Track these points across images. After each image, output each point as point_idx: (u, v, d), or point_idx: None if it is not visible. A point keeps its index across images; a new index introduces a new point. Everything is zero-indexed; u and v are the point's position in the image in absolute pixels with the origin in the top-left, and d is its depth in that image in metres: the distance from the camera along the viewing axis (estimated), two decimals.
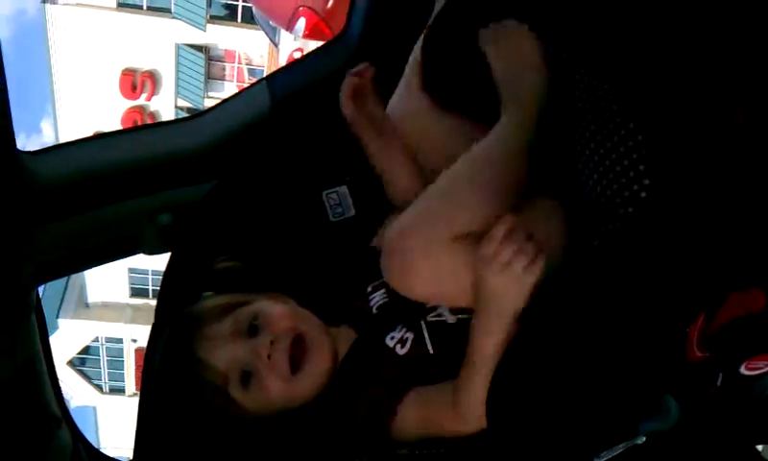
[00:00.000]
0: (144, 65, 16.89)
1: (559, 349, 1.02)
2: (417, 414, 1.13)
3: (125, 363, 19.57)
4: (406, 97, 1.34)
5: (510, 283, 1.01)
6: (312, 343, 1.20)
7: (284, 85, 1.54)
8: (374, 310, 1.25)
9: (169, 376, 1.25)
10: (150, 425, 1.35)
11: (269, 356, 1.17)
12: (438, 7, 1.33)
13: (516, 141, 1.09)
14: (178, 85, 17.09)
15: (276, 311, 1.22)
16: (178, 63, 16.92)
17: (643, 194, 0.95)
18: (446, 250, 1.04)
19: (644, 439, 0.95)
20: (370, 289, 1.28)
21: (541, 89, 1.11)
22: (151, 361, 1.32)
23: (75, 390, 19.53)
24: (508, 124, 1.10)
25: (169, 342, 1.27)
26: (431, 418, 1.12)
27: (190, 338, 1.22)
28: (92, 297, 19.19)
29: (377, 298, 1.26)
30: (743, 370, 0.92)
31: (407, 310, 1.19)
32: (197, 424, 1.22)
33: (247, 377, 1.18)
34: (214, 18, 16.76)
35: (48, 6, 16.22)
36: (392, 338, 1.19)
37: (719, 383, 0.94)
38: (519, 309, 1.02)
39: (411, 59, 1.35)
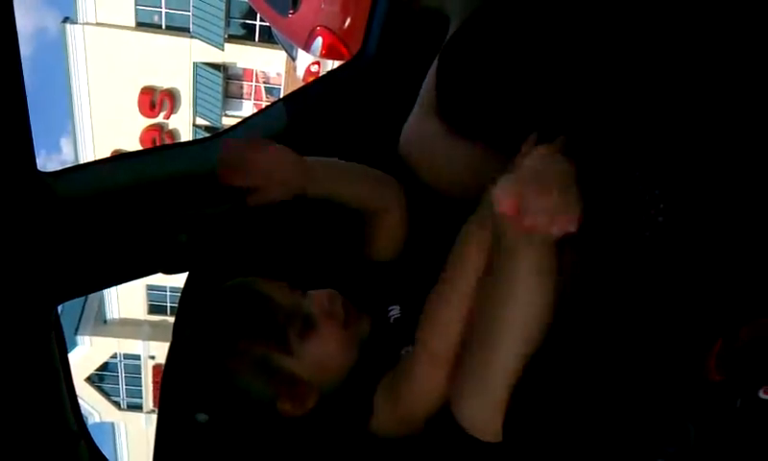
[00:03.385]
0: (163, 84, 17.04)
1: (576, 374, 1.02)
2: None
3: (143, 380, 19.63)
4: (421, 121, 1.35)
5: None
6: (355, 310, 1.25)
7: (301, 106, 1.55)
8: (391, 321, 1.27)
9: (227, 307, 1.23)
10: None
11: (328, 312, 1.21)
12: (452, 28, 1.33)
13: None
14: (196, 104, 17.22)
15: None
16: (196, 82, 17.06)
17: (660, 218, 0.95)
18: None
19: None
20: (389, 301, 1.29)
21: None
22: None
23: (93, 406, 19.61)
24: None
25: (223, 291, 1.26)
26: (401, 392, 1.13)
27: (250, 283, 1.24)
28: (110, 314, 19.29)
29: (395, 311, 1.28)
30: (762, 394, 0.91)
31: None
32: (241, 367, 1.19)
33: (308, 324, 1.20)
34: (232, 37, 16.89)
35: (68, 25, 16.43)
36: (407, 351, 1.20)
37: (737, 407, 0.93)
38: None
39: (426, 80, 1.36)
